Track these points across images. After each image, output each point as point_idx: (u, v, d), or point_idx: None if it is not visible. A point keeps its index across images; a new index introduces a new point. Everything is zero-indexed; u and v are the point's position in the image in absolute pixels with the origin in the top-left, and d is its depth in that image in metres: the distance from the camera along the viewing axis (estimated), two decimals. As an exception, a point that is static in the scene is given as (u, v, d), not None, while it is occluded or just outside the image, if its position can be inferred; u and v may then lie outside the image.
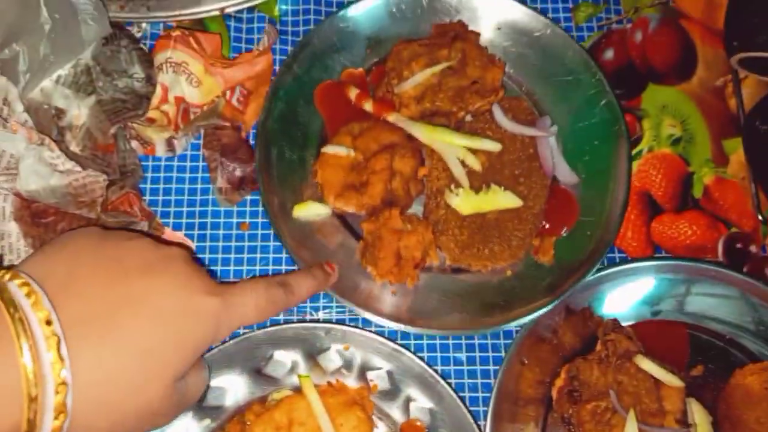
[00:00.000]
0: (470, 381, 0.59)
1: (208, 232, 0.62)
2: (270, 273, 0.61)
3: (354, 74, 0.67)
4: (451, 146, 0.61)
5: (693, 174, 0.67)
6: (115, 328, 0.39)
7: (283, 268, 0.61)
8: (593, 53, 0.71)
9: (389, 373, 0.56)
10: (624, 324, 0.59)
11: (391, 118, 0.63)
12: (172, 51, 0.62)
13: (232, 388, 0.55)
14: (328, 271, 0.56)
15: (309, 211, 0.61)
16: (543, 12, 0.72)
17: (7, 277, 0.39)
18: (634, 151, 0.68)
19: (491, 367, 0.59)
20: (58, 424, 0.37)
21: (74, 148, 0.60)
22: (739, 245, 0.65)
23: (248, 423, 0.54)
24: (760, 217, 0.65)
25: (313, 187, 0.62)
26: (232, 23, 0.69)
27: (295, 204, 0.61)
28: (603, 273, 0.59)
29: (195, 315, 0.43)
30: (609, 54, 0.71)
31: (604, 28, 0.73)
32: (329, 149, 0.61)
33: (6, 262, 0.57)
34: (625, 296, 0.60)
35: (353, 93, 0.65)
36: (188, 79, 0.63)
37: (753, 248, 0.65)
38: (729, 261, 0.65)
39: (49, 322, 0.37)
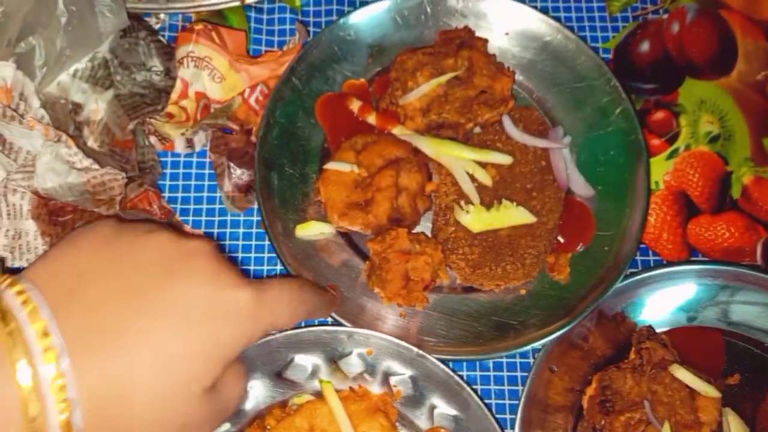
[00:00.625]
0: (497, 387, 0.57)
1: (228, 230, 0.61)
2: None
3: (356, 85, 0.64)
4: (460, 160, 0.59)
5: (731, 173, 0.65)
6: (129, 338, 0.36)
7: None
8: (628, 45, 0.68)
9: (413, 379, 0.54)
10: (658, 330, 0.57)
11: (396, 131, 0.61)
12: (194, 45, 0.61)
13: (253, 391, 0.54)
14: (333, 294, 0.53)
15: (312, 230, 0.58)
16: (576, 1, 0.69)
17: (6, 284, 0.35)
18: (670, 149, 0.65)
19: (519, 374, 0.57)
20: None
21: (92, 143, 0.59)
22: (779, 248, 0.62)
23: (269, 428, 0.53)
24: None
25: (316, 205, 0.60)
26: (253, 14, 0.67)
27: (297, 223, 0.58)
28: (639, 277, 0.57)
29: (225, 315, 0.38)
30: (644, 46, 0.68)
31: (639, 18, 0.70)
32: (332, 166, 0.59)
33: (24, 262, 0.56)
34: (662, 302, 0.58)
35: (356, 105, 0.62)
36: (211, 75, 0.61)
37: (794, 252, 0.62)
38: (767, 265, 0.62)
39: (46, 334, 0.34)
